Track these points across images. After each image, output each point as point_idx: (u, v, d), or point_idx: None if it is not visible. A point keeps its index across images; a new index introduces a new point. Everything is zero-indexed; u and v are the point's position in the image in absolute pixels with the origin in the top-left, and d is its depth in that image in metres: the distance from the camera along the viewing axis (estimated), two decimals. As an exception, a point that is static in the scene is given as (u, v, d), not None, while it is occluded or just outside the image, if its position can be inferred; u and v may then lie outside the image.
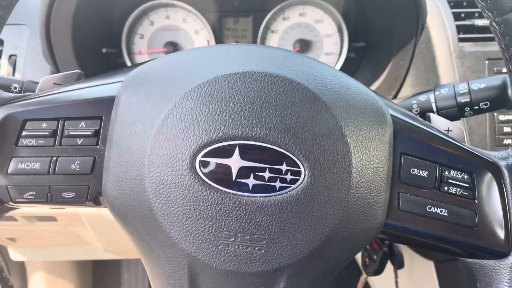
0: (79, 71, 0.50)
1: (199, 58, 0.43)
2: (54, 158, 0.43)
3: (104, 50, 0.91)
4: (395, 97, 0.86)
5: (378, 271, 0.84)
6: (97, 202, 0.44)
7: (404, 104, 0.61)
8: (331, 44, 0.94)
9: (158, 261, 0.42)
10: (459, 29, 0.82)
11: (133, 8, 0.91)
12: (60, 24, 0.81)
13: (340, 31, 0.93)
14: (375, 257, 0.84)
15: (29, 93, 0.46)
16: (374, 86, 0.85)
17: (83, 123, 0.43)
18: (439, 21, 0.82)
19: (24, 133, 0.43)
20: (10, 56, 0.80)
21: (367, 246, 0.89)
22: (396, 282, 0.89)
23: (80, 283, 1.50)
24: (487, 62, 0.78)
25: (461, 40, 0.81)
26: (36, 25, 0.80)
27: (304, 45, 0.93)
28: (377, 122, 0.42)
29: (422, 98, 0.59)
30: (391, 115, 0.44)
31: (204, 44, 0.94)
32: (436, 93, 0.58)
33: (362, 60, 0.92)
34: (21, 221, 0.91)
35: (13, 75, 0.81)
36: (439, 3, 0.89)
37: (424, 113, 0.57)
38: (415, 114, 0.51)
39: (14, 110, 0.44)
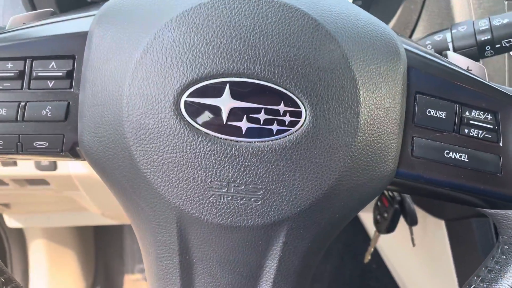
0: (52, 9, 0.45)
1: None
2: (23, 103, 0.38)
3: (89, 0, 0.85)
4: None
5: (390, 228, 0.83)
6: (74, 154, 0.40)
7: (417, 45, 0.55)
8: (335, -9, 0.87)
9: (144, 217, 0.38)
10: (476, -33, 0.75)
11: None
12: (40, -29, 0.74)
13: (345, -24, 0.86)
14: (386, 215, 0.82)
15: None
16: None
17: (53, 63, 0.38)
18: (454, -42, 0.75)
19: None
20: (-12, 7, 0.74)
21: (378, 204, 0.86)
22: (412, 239, 0.87)
23: (82, 251, 1.49)
24: (506, 2, 0.72)
25: (478, -21, 0.74)
26: (14, -28, 0.74)
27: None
28: (389, 56, 0.37)
29: (438, 37, 0.53)
30: (405, 49, 0.39)
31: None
32: (453, 31, 0.53)
33: (370, 6, 0.86)
34: (11, 185, 0.89)
35: (-8, 27, 0.76)
36: None
37: (439, 54, 0.52)
38: None
39: None
